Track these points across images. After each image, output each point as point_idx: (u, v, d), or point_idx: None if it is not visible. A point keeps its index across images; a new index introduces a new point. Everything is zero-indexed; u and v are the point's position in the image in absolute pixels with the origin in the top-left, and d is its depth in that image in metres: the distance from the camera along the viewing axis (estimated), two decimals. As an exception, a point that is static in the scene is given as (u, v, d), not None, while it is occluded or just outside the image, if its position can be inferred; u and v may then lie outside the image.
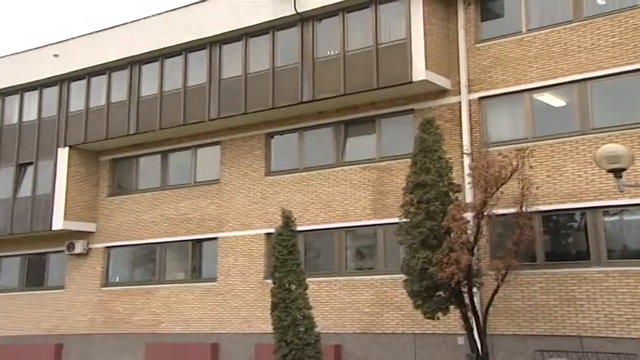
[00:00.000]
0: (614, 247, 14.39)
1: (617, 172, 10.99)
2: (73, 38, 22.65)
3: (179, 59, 20.34)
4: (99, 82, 21.90)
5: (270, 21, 18.39)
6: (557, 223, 15.29)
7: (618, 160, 10.96)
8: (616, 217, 14.57)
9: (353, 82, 17.10)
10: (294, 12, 17.81)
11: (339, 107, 18.05)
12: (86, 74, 22.09)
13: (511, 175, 13.49)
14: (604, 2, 15.24)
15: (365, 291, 17.04)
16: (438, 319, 13.97)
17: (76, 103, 22.32)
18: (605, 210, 14.34)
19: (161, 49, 20.39)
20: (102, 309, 21.65)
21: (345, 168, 17.92)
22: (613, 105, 14.80)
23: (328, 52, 17.84)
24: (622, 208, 14.29)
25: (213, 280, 19.67)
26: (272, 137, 19.60)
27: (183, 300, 20.13)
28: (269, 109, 18.46)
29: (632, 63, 14.34)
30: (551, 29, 15.57)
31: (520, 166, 13.47)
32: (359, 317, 17.00)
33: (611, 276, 13.90)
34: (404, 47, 16.47)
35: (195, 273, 20.61)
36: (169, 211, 20.90)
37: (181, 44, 20.03)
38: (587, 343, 13.79)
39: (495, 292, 13.71)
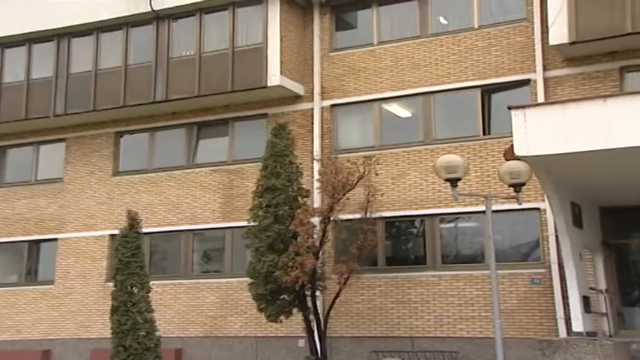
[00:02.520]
0: (448, 252, 15.17)
1: (453, 182, 11.54)
2: None
3: (22, 50, 19.18)
4: None
5: (124, 17, 17.81)
6: (398, 229, 15.90)
7: (455, 170, 11.49)
8: (451, 224, 15.37)
9: (208, 84, 16.90)
10: (150, 9, 17.36)
11: (193, 108, 17.77)
12: None
13: (358, 182, 13.88)
14: (446, 22, 16.09)
15: (210, 294, 16.83)
16: (281, 322, 14.05)
17: None
18: (442, 217, 15.11)
19: (1, 37, 19.17)
20: None
21: (196, 170, 17.66)
22: (453, 118, 15.62)
23: (184, 53, 17.52)
24: (457, 216, 15.11)
25: (50, 282, 18.67)
26: (121, 136, 18.94)
27: (14, 304, 18.94)
28: (119, 108, 17.84)
29: (470, 80, 15.24)
30: (400, 43, 16.22)
31: (367, 173, 13.91)
32: (202, 321, 16.76)
33: (443, 279, 14.65)
34: (260, 52, 16.51)
35: (31, 276, 19.46)
36: (5, 210, 19.61)
37: (25, 34, 18.90)
38: (418, 343, 14.43)
39: (337, 295, 14.02)
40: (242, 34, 16.99)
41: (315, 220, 14.15)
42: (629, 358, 10.72)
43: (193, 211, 17.40)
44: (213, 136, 18.13)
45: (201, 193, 17.40)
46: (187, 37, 17.44)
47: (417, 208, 15.16)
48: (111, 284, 14.42)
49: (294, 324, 14.69)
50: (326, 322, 14.08)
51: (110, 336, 13.68)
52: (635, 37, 13.15)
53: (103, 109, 18.02)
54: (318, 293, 14.22)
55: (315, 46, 17.04)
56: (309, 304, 13.94)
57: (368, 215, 14.35)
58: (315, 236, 13.86)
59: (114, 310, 13.71)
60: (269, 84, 16.28)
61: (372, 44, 16.59)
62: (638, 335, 12.56)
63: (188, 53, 17.40)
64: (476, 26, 15.51)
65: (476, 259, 14.60)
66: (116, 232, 15.73)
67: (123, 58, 17.94)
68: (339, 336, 15.15)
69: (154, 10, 17.36)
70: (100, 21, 18.09)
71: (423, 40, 15.99)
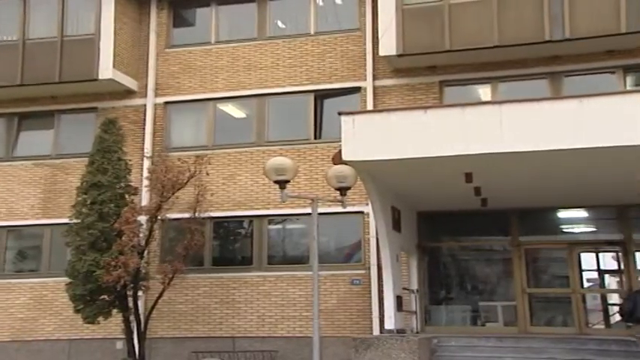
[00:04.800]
0: (275, 253, 15.34)
1: (282, 184, 11.67)
2: None
3: None
4: None
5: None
6: (227, 229, 15.84)
7: (284, 173, 11.61)
8: (279, 226, 15.55)
9: (32, 73, 15.98)
10: (-31, -12, 16.13)
11: (16, 98, 16.69)
12: None
13: (188, 181, 13.70)
14: (284, 26, 16.30)
15: (22, 295, 15.85)
16: (99, 323, 13.49)
17: None
18: (271, 218, 15.27)
19: None
20: None
21: (15, 163, 16.60)
22: (286, 121, 15.82)
23: (5, 37, 16.38)
24: (285, 218, 15.31)
25: None
26: None
27: None
28: None
29: (303, 84, 15.54)
30: (237, 44, 16.21)
31: (197, 172, 13.77)
32: (10, 324, 15.74)
33: (268, 280, 14.80)
34: (91, 43, 15.88)
35: None
36: None
37: None
38: (240, 343, 14.46)
39: (160, 295, 13.73)
40: (73, 22, 16.23)
41: (142, 218, 13.78)
42: (430, 352, 11.39)
43: (10, 206, 16.32)
44: (36, 128, 17.13)
45: (19, 188, 16.35)
46: (10, 20, 16.32)
47: (246, 209, 15.21)
48: None
49: (112, 325, 14.18)
50: (147, 322, 13.73)
51: None
52: (453, 54, 14.04)
53: None
54: (140, 293, 13.83)
55: (150, 41, 16.65)
56: (131, 304, 13.51)
57: (197, 215, 14.17)
58: (141, 235, 13.52)
59: None
60: (100, 77, 15.70)
61: (209, 43, 16.46)
62: (441, 331, 13.39)
63: (10, 38, 16.30)
64: (312, 32, 15.86)
65: (301, 260, 14.84)
66: None
67: (-63, 39, 16.50)
68: (159, 337, 14.85)
69: (-26, -10, 16.15)
70: None
71: (260, 42, 16.10)
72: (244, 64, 16.01)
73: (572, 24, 13.34)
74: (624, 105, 10.11)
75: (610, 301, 14.13)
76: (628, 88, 13.93)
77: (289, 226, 15.46)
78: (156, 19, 16.76)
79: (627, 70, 13.98)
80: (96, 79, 15.75)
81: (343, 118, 11.13)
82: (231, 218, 15.47)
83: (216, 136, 15.92)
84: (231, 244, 15.96)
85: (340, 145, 11.11)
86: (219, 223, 15.51)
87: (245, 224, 15.65)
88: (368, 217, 14.16)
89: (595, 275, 14.80)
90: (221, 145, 15.73)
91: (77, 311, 13.24)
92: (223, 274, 15.06)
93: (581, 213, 14.59)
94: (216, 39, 16.48)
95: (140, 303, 13.97)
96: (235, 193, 15.34)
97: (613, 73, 14.03)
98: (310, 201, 10.84)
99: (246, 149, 15.55)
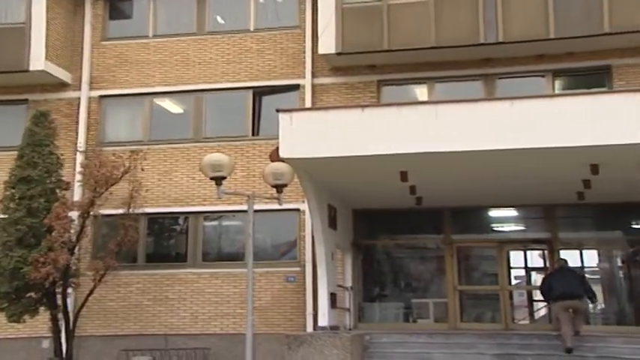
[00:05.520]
0: (210, 250, 15.18)
1: (219, 180, 11.58)
2: None
3: None
4: None
5: None
6: (162, 225, 15.62)
7: (221, 169, 11.53)
8: (215, 222, 15.41)
9: (-45, 62, 15.37)
10: None
11: (-58, 87, 16.04)
12: None
13: (122, 176, 13.46)
14: (223, 22, 16.17)
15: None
16: (24, 322, 13.09)
17: None
18: (206, 215, 15.13)
19: None
20: None
21: None
22: (224, 117, 15.68)
23: None
24: (221, 214, 15.18)
25: None
26: None
27: None
28: None
29: (242, 81, 15.45)
30: (176, 38, 16.00)
31: (132, 168, 13.54)
32: None
33: (202, 277, 14.65)
34: (22, 32, 15.41)
35: None
36: None
37: None
38: (172, 341, 14.26)
39: (91, 292, 13.45)
40: (2, 9, 15.68)
41: (74, 214, 13.44)
42: (362, 348, 11.50)
43: None
44: (-40, 120, 16.50)
45: (-57, 181, 15.69)
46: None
47: (182, 205, 15.04)
48: None
49: (39, 324, 13.81)
50: (75, 320, 13.38)
51: None
52: (392, 53, 14.21)
53: None
54: (70, 290, 13.50)
55: (85, 33, 16.28)
56: (60, 302, 13.17)
57: (131, 211, 13.91)
58: (72, 231, 13.18)
59: None
60: (31, 68, 15.27)
61: (147, 37, 16.19)
62: (374, 328, 13.53)
63: None
64: (252, 29, 15.77)
65: (236, 257, 14.69)
66: None
67: None
68: (88, 335, 14.52)
69: None
70: None
71: (199, 37, 15.92)
72: (182, 59, 15.81)
73: (505, 28, 13.68)
74: (553, 108, 10.46)
75: (535, 298, 14.57)
76: (557, 91, 14.39)
77: (225, 223, 15.36)
78: (91, 10, 16.39)
79: (556, 74, 14.42)
80: (27, 71, 15.29)
81: (281, 115, 11.15)
82: (166, 214, 15.26)
83: (152, 132, 15.67)
84: (165, 241, 15.73)
85: (278, 142, 11.08)
86: (153, 219, 15.27)
87: (180, 221, 15.45)
88: (304, 215, 14.16)
89: (522, 273, 15.27)
90: (157, 141, 15.49)
91: (1, 309, 12.82)
92: (157, 270, 14.83)
93: (511, 212, 15.00)
94: (153, 32, 16.23)
95: (69, 300, 13.65)
96: (171, 189, 15.14)
97: (543, 76, 14.44)
98: (246, 198, 10.82)
99: (183, 145, 15.36)
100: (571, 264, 13.36)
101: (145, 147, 15.04)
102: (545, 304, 13.24)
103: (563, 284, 11.89)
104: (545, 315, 13.31)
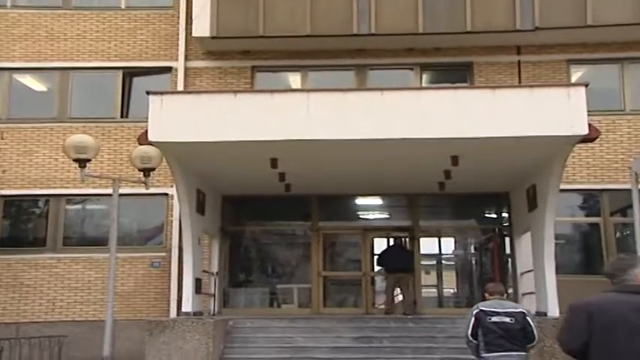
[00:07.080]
0: (72, 234, 14.63)
1: (83, 162, 11.11)
2: None
3: None
4: None
5: None
6: (19, 208, 14.87)
7: (85, 151, 11.07)
8: (78, 206, 14.87)
9: None
10: None
11: None
12: None
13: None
14: (93, -4, 15.53)
15: None
16: None
17: None
18: (69, 198, 14.54)
19: None
20: None
21: None
22: (91, 97, 15.09)
23: None
24: (85, 198, 14.65)
25: None
26: None
27: None
28: None
29: (111, 60, 14.92)
30: (38, 11, 15.17)
31: (-11, 147, 12.73)
32: None
33: (62, 262, 14.10)
34: None
35: None
36: None
37: None
38: (24, 330, 13.57)
39: None
40: None
41: None
42: (225, 333, 11.49)
43: None
44: None
45: None
46: None
47: (42, 188, 14.33)
48: None
49: None
50: None
51: None
52: (266, 40, 14.21)
53: None
54: None
55: None
56: None
57: (-15, 192, 13.11)
58: None
59: None
60: None
61: (4, 6, 15.20)
62: (239, 313, 13.62)
63: None
64: (123, 7, 15.23)
65: (100, 242, 14.12)
66: None
67: None
68: None
69: None
70: None
71: (64, 11, 15.18)
72: (46, 34, 15.01)
73: (377, 20, 14.04)
74: (419, 100, 10.87)
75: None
76: (424, 84, 14.99)
77: (89, 207, 14.83)
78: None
79: (424, 67, 14.99)
80: None
81: (151, 97, 10.86)
82: (25, 197, 14.51)
83: (11, 109, 14.80)
84: (23, 224, 14.95)
85: (147, 125, 10.80)
86: (10, 201, 14.47)
87: (41, 204, 14.73)
88: (172, 200, 13.90)
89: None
90: (17, 119, 14.66)
91: None
92: (11, 255, 14.07)
93: (377, 200, 15.50)
94: (12, 3, 15.26)
95: None
96: (31, 170, 14.38)
97: (412, 69, 14.96)
98: (112, 181, 10.47)
99: (46, 124, 14.62)
100: (429, 251, 14.13)
101: (3, 125, 14.23)
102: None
103: (395, 259, 13.66)
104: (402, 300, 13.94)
